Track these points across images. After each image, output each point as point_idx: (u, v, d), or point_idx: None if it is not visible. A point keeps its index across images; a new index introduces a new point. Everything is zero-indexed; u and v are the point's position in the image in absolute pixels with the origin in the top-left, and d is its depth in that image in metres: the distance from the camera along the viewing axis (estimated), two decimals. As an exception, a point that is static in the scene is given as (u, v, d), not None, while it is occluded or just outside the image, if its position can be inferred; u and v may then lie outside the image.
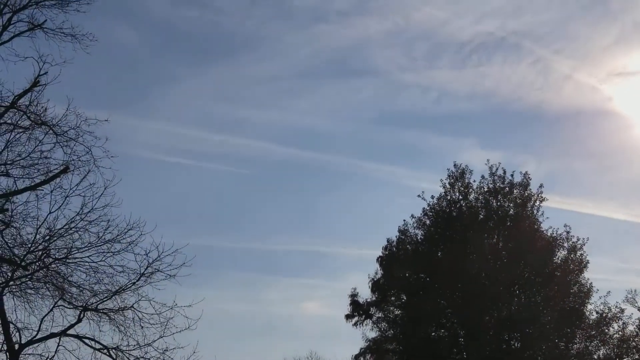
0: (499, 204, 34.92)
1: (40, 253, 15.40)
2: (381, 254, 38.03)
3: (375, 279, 38.07)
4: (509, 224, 34.79)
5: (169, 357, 15.58)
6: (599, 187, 62.10)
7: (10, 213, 15.45)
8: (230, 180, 73.06)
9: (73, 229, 15.27)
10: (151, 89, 75.15)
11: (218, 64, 77.63)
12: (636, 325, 34.44)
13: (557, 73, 57.34)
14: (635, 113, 47.29)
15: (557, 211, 46.51)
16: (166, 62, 73.02)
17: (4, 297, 15.53)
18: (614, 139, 58.63)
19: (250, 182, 73.69)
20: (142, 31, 69.49)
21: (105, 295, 15.86)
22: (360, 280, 49.92)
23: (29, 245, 15.38)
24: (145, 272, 15.70)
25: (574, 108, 60.03)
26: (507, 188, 34.89)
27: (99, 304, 15.91)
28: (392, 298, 38.18)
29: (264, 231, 72.51)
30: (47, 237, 15.31)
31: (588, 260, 34.70)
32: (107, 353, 15.67)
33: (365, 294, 38.91)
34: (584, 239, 34.84)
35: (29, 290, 15.87)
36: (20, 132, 15.65)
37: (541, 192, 34.96)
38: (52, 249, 15.51)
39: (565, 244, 34.85)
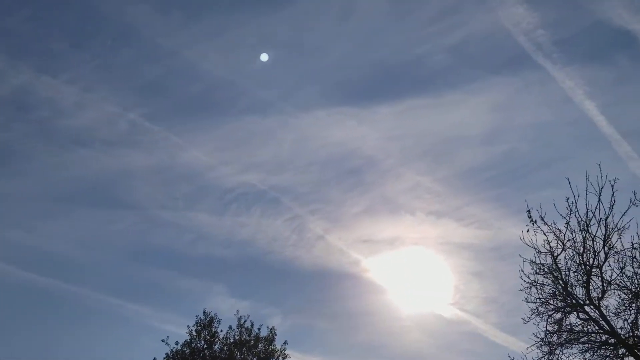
0: (242, 357, 34.60)
1: None
2: (113, 401, 35.13)
3: None
4: (250, 378, 34.42)
5: None
6: (340, 347, 64.66)
7: None
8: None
9: None
10: None
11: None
12: None
13: (311, 232, 60.53)
14: (378, 279, 50.99)
15: (299, 368, 47.08)
16: None
17: None
18: (358, 302, 62.23)
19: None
20: None
21: None
22: None
23: None
24: None
25: (323, 268, 63.24)
26: (252, 341, 34.89)
27: None
28: None
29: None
30: None
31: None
32: None
33: None
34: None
35: None
36: None
37: (284, 349, 35.41)
38: None
39: (303, 404, 35.15)
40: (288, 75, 57.60)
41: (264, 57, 46.27)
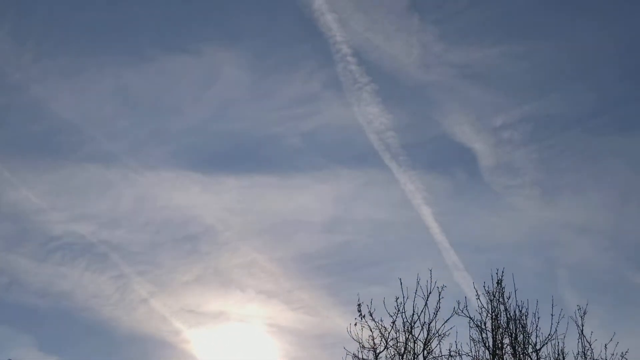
0: (34, 419, 31.73)
1: None
2: None
3: None
4: None
5: None
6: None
7: None
8: None
9: None
10: None
11: None
12: None
13: (135, 294, 57.62)
14: (198, 352, 49.18)
15: None
16: None
17: None
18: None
19: None
20: None
21: None
22: None
23: None
24: None
25: (141, 333, 60.12)
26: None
27: None
28: None
29: None
30: None
31: None
32: None
33: None
34: None
35: None
36: None
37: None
38: None
39: None
40: (139, 131, 55.94)
41: None
